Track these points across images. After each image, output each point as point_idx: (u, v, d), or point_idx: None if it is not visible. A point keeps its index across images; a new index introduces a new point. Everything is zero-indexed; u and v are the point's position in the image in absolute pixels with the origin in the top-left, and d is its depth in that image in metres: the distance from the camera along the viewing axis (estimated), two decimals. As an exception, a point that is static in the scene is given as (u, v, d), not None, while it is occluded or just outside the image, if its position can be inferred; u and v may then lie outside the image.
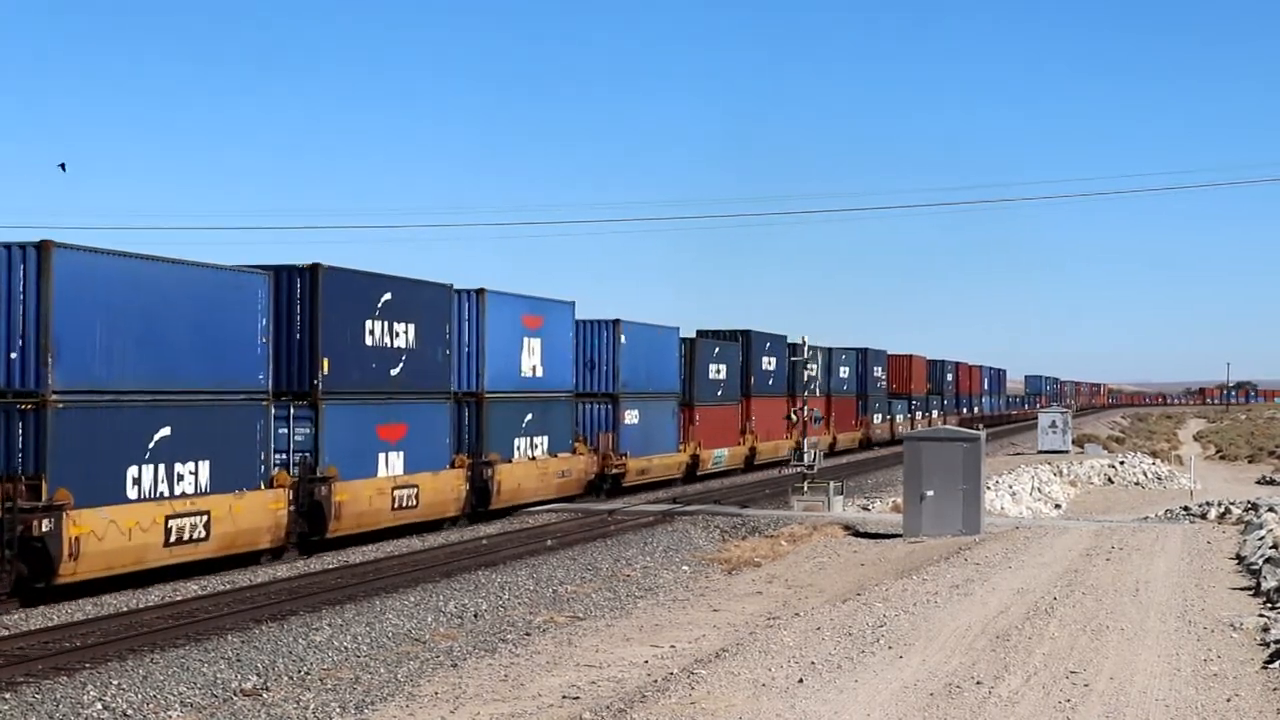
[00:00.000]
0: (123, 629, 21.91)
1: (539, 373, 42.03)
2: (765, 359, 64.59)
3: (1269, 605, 21.25)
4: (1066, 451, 78.94)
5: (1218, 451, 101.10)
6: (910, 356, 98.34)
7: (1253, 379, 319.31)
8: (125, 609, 24.04)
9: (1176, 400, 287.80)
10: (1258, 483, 68.53)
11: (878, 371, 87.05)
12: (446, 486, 36.45)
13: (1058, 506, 52.78)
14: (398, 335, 34.18)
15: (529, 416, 41.46)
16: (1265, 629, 18.95)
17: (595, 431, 47.06)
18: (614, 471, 47.38)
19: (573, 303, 45.32)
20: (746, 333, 62.45)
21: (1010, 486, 53.43)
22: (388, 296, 33.94)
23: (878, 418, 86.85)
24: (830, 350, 75.17)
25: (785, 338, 65.18)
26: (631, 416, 48.66)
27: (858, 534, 35.25)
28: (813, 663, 17.50)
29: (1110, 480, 66.12)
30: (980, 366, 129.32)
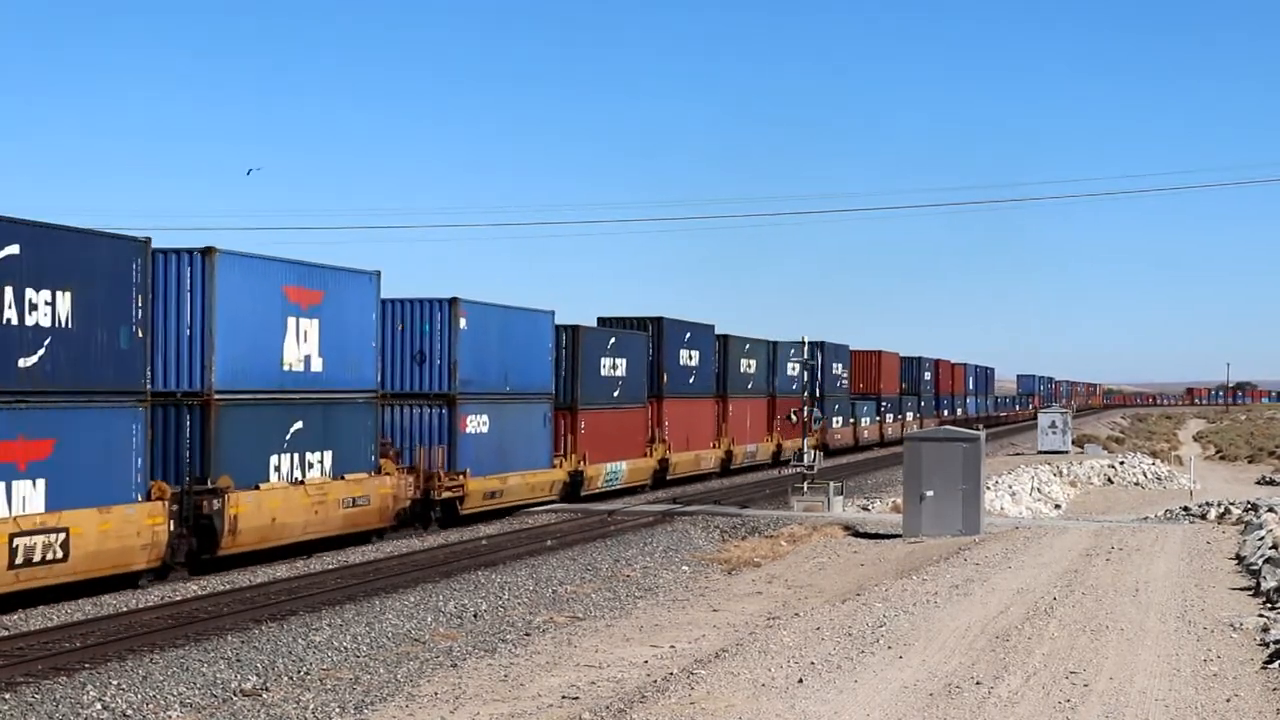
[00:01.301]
0: (122, 629, 21.90)
1: (315, 366, 31.21)
2: (685, 352, 54.26)
3: (1269, 605, 21.25)
4: (1066, 452, 78.94)
5: (1217, 452, 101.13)
6: (879, 353, 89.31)
7: (1253, 379, 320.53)
8: (124, 609, 24.03)
9: (1168, 400, 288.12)
10: (1257, 483, 68.58)
11: (838, 369, 77.56)
12: (127, 529, 25.29)
13: (1057, 507, 52.80)
14: (35, 309, 23.55)
15: (296, 425, 30.53)
16: (1265, 629, 18.95)
17: (421, 444, 36.60)
18: (446, 495, 36.71)
19: (375, 273, 33.57)
20: (658, 320, 52.10)
21: (1010, 487, 53.45)
22: (11, 251, 23.16)
23: (837, 421, 77.51)
24: (774, 344, 66.32)
25: (713, 327, 57.38)
26: (477, 423, 38.17)
27: (857, 534, 35.26)
28: (812, 663, 17.50)
29: (1110, 480, 66.15)
30: (965, 364, 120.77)
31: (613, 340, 47.85)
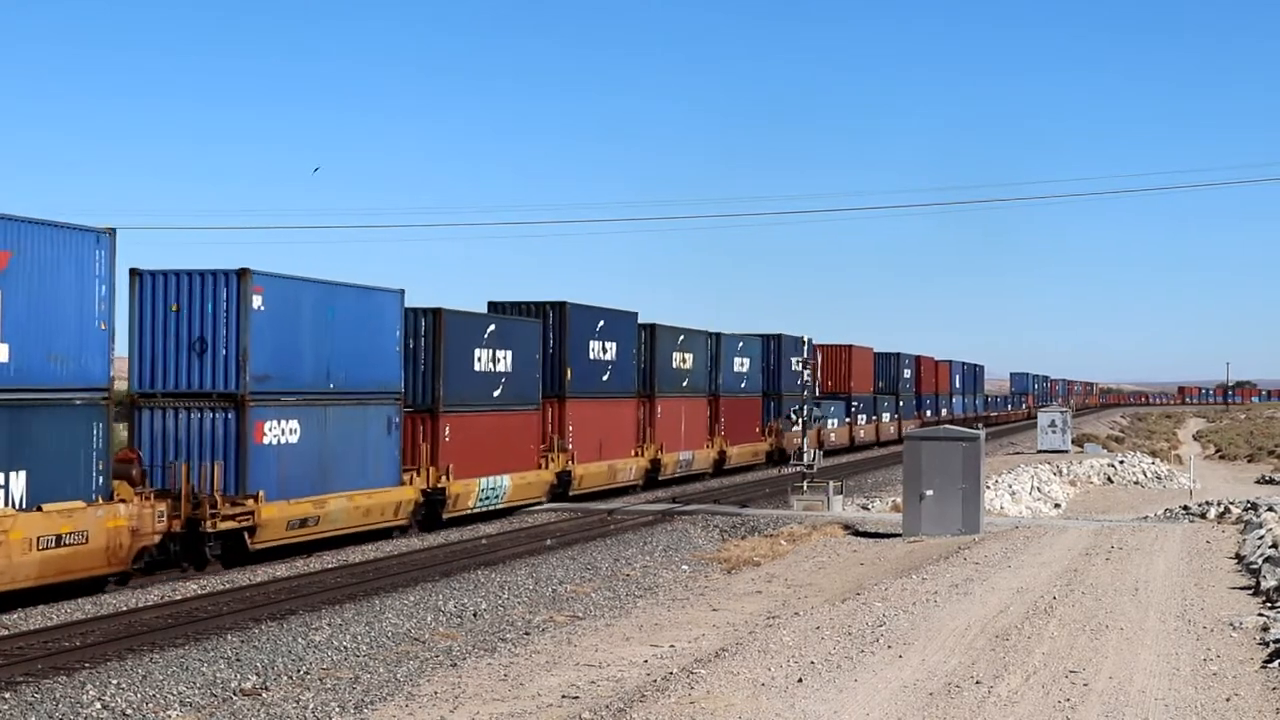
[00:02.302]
0: (122, 628, 21.91)
1: None
2: (597, 344, 46.21)
3: (1268, 604, 21.26)
4: (1066, 451, 78.94)
5: (1217, 451, 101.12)
6: (849, 348, 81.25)
7: (1253, 379, 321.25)
8: (124, 608, 24.04)
9: (1160, 400, 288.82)
10: (1257, 482, 68.53)
11: (797, 365, 68.27)
12: None
13: (1057, 506, 52.77)
14: None
15: None
16: (1265, 628, 18.96)
17: (191, 459, 28.58)
18: (226, 526, 28.20)
19: (105, 231, 25.50)
20: (560, 306, 44.11)
21: (1010, 486, 53.44)
22: None
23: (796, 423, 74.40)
24: (717, 336, 58.39)
25: (635, 315, 49.47)
26: (280, 431, 30.01)
27: (857, 533, 35.27)
28: (812, 662, 17.50)
29: (1110, 480, 66.11)
30: (950, 361, 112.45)
31: (491, 329, 38.97)
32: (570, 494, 43.80)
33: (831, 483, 42.77)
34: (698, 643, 20.47)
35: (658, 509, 42.32)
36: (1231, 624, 19.80)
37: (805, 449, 44.16)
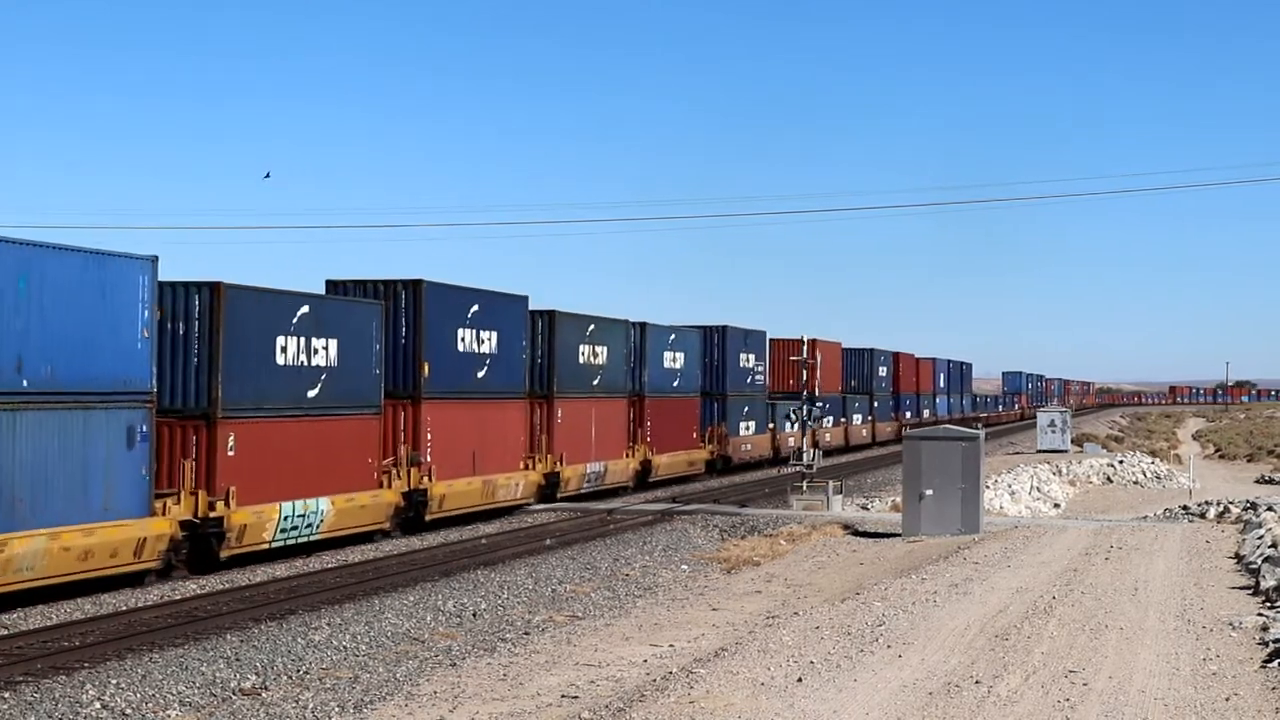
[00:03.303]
0: (121, 628, 21.91)
1: None
2: (467, 334, 37.43)
3: (1268, 604, 21.26)
4: (1065, 451, 78.95)
5: (1217, 451, 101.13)
6: (813, 342, 75.80)
7: (1252, 379, 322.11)
8: (124, 608, 24.04)
9: (1152, 400, 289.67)
10: (1257, 482, 68.54)
11: (747, 361, 61.92)
12: None
13: (1056, 506, 52.78)
14: None
15: None
16: (1264, 628, 18.96)
17: None
18: None
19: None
20: (414, 285, 35.16)
21: (1009, 486, 53.45)
22: None
23: (746, 427, 61.83)
24: (642, 327, 50.58)
25: (525, 300, 41.16)
26: None
27: (857, 533, 35.28)
28: (812, 662, 17.50)
29: (1109, 479, 66.12)
30: (934, 359, 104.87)
31: (303, 312, 30.36)
32: (428, 518, 35.26)
33: (831, 483, 42.78)
34: (697, 642, 20.47)
35: (657, 509, 42.31)
36: (1231, 624, 19.81)
37: (804, 449, 44.17)
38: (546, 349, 43.03)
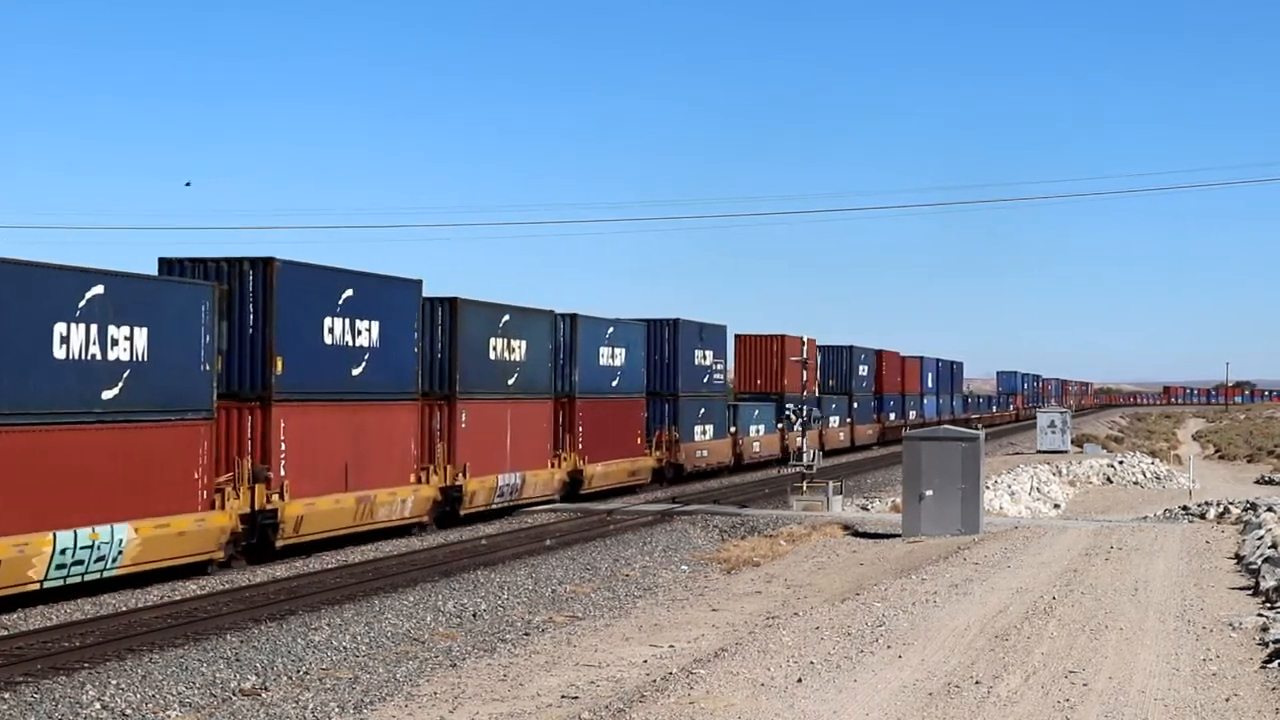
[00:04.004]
0: (121, 629, 21.91)
1: None
2: (337, 323, 31.62)
3: (1268, 605, 21.26)
4: (1065, 451, 78.98)
5: (1216, 451, 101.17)
6: (780, 339, 67.62)
7: (1252, 379, 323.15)
8: (124, 608, 24.04)
9: (1146, 400, 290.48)
10: (1257, 482, 68.58)
11: (704, 358, 56.13)
12: None
13: (1056, 506, 52.80)
14: None
15: None
16: (1264, 628, 18.95)
17: None
18: None
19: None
20: (264, 264, 29.67)
21: (1009, 486, 53.46)
22: None
23: (703, 431, 55.66)
24: (573, 319, 44.79)
25: (418, 284, 35.22)
26: None
27: (857, 534, 35.28)
28: (812, 662, 17.50)
29: (1109, 480, 66.15)
30: (921, 357, 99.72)
31: (95, 293, 24.68)
32: (280, 544, 29.73)
33: (831, 483, 42.81)
34: (697, 643, 20.47)
35: (657, 509, 42.31)
36: (1231, 624, 19.80)
37: (805, 449, 44.20)
38: (448, 342, 36.96)
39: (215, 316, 28.03)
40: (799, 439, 56.45)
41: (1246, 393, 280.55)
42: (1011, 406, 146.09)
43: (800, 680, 16.44)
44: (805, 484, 43.08)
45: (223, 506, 27.98)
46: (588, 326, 45.69)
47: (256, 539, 29.26)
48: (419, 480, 34.98)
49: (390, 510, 33.67)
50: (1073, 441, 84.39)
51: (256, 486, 28.83)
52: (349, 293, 32.13)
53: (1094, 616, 20.78)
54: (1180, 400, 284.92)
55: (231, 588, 26.55)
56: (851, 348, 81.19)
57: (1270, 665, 16.80)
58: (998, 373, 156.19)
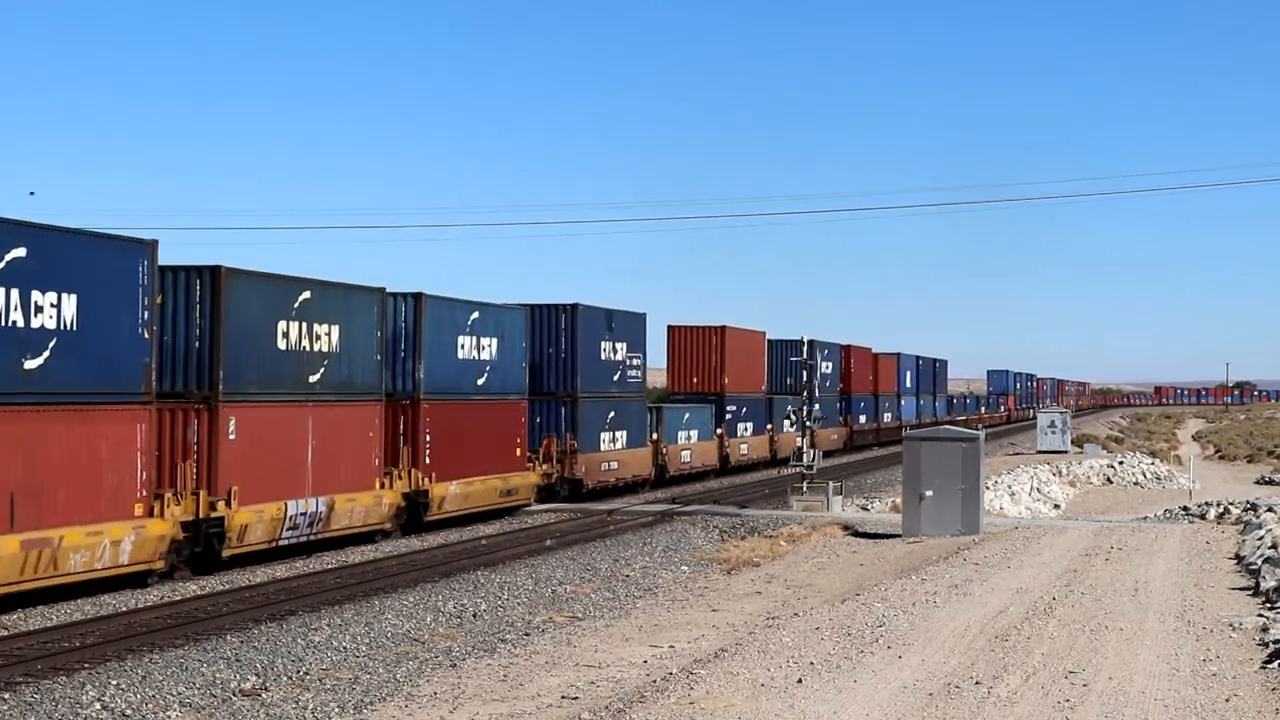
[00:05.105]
0: (121, 629, 21.92)
1: None
2: (33, 297, 22.83)
3: (1268, 605, 21.26)
4: (1065, 451, 79.00)
5: (1217, 451, 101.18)
6: (720, 329, 58.89)
7: (1253, 379, 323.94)
8: (124, 609, 24.04)
9: (1140, 400, 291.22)
10: (1257, 483, 68.56)
11: (614, 353, 47.27)
12: None
13: (1057, 506, 52.78)
14: None
15: None
16: (1264, 629, 18.96)
17: None
18: None
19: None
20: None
21: (1009, 486, 53.45)
22: None
23: (613, 439, 47.00)
24: (418, 299, 35.52)
25: (149, 246, 25.93)
26: None
27: (857, 534, 35.29)
28: (812, 663, 17.51)
29: (1109, 480, 66.14)
30: (898, 355, 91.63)
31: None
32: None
33: (831, 483, 42.83)
34: (697, 643, 20.48)
35: (657, 509, 42.31)
36: (1231, 624, 19.81)
37: (805, 450, 44.20)
38: (208, 328, 28.11)
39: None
40: (741, 445, 53.61)
41: (1236, 392, 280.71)
42: (1003, 408, 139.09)
43: (800, 681, 16.45)
44: (805, 484, 43.10)
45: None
46: (439, 310, 36.45)
47: None
48: (152, 513, 25.74)
49: (88, 557, 24.03)
50: (1073, 442, 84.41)
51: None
52: (17, 254, 22.66)
53: (1094, 617, 20.79)
54: (1171, 400, 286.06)
55: (231, 588, 26.55)
56: (811, 342, 70.40)
57: (1270, 665, 16.81)
58: (988, 372, 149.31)
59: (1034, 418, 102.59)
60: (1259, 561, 24.99)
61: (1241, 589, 23.76)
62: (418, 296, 35.65)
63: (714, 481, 56.17)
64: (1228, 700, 15.23)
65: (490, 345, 39.04)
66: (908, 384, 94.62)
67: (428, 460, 35.45)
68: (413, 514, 35.22)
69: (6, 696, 17.22)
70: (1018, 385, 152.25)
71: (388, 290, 34.20)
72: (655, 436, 51.69)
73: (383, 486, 33.60)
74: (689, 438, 55.00)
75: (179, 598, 25.30)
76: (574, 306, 44.74)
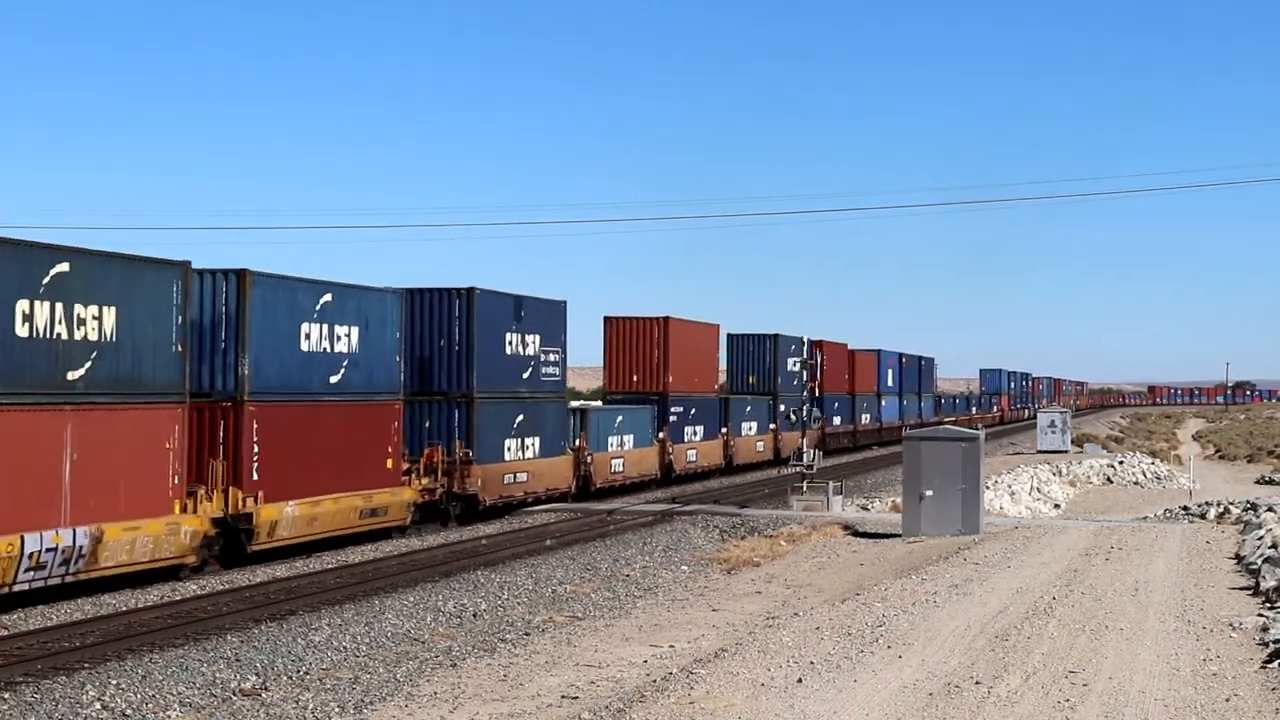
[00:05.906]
0: (122, 629, 21.92)
1: None
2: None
3: (1268, 605, 21.27)
4: (1065, 451, 79.04)
5: (1217, 451, 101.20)
6: (664, 321, 52.88)
7: (1253, 379, 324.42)
8: (124, 609, 24.06)
9: (1133, 400, 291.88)
10: (1257, 482, 68.56)
11: (525, 347, 41.14)
12: None
13: (1057, 506, 52.79)
14: None
15: None
16: (1264, 629, 18.96)
17: None
18: None
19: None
20: None
21: (1009, 486, 53.47)
22: None
23: (522, 447, 40.82)
24: (243, 277, 29.00)
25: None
26: None
27: (857, 534, 35.29)
28: (812, 662, 17.51)
29: (1109, 480, 66.16)
30: (878, 351, 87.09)
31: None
32: None
33: (831, 483, 42.83)
34: (697, 643, 20.48)
35: (657, 509, 42.30)
36: (1231, 624, 19.81)
37: (805, 449, 44.23)
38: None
39: None
40: (688, 452, 48.07)
41: (1230, 391, 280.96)
42: (995, 408, 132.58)
43: (800, 680, 16.45)
44: (805, 484, 43.10)
45: None
46: (272, 291, 29.92)
47: None
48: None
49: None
50: (1073, 441, 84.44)
51: None
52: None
53: (1094, 617, 20.79)
54: (1165, 400, 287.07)
55: (231, 587, 26.56)
56: (777, 337, 66.31)
57: (1270, 665, 16.81)
58: (981, 370, 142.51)
59: (1029, 418, 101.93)
60: (1259, 561, 24.99)
61: (1241, 589, 23.76)
62: (240, 274, 29.09)
63: (646, 495, 49.22)
64: (1228, 700, 15.23)
65: (349, 335, 32.29)
66: (889, 383, 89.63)
67: (255, 476, 28.95)
68: (231, 542, 28.77)
69: (6, 696, 17.23)
70: (1012, 384, 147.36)
71: (194, 266, 27.43)
72: (578, 443, 45.51)
73: (184, 510, 26.87)
74: (622, 444, 48.63)
75: (179, 597, 25.31)
76: (470, 290, 38.15)
